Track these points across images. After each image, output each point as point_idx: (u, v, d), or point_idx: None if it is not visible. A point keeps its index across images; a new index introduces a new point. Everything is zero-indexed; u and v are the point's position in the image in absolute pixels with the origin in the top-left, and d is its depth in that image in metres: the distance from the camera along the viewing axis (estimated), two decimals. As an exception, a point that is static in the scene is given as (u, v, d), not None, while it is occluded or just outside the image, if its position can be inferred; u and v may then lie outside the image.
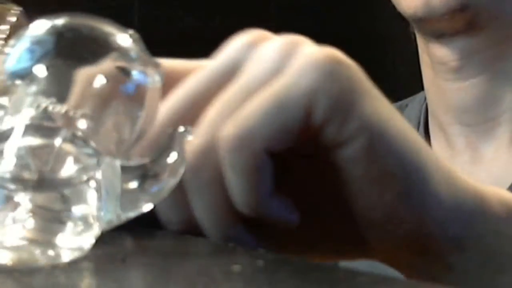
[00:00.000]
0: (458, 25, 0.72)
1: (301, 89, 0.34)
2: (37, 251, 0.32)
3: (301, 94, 0.34)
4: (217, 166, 0.35)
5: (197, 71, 0.38)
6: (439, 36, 0.75)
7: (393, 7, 0.78)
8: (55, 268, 0.33)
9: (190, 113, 0.36)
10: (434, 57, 0.77)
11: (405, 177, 0.37)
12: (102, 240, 0.40)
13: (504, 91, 0.75)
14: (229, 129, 0.34)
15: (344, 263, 0.83)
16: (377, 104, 0.36)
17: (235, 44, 0.38)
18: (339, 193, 0.37)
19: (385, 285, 0.32)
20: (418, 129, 0.83)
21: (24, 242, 0.32)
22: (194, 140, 0.35)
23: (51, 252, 0.32)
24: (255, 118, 0.34)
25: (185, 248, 0.39)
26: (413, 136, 0.38)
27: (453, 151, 0.79)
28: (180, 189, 0.36)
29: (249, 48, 0.37)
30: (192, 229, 0.37)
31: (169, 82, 0.37)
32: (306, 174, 0.39)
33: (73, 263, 0.34)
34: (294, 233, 0.38)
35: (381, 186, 0.36)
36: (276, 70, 0.35)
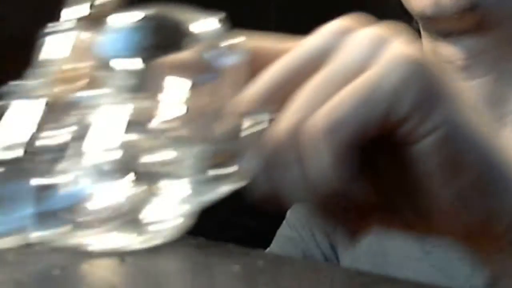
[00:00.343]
0: (467, 24, 0.72)
1: (388, 85, 0.36)
2: (128, 237, 0.34)
3: (387, 90, 0.36)
4: (300, 148, 0.36)
5: (288, 53, 0.39)
6: (446, 35, 0.74)
7: (394, 7, 0.77)
8: (55, 266, 0.33)
9: (279, 94, 0.38)
10: (441, 55, 0.76)
11: (483, 167, 0.38)
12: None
13: (510, 91, 0.75)
14: (317, 120, 0.36)
15: (344, 263, 0.83)
16: (455, 102, 0.38)
17: (327, 29, 0.39)
18: (413, 183, 0.39)
19: (385, 285, 0.32)
20: None
21: (116, 228, 0.34)
22: (283, 121, 0.36)
23: (140, 237, 0.34)
24: (342, 111, 0.35)
25: (185, 248, 0.39)
26: (490, 132, 0.39)
27: None
28: (266, 164, 0.37)
29: (340, 35, 0.39)
30: (278, 201, 0.39)
31: (258, 61, 0.39)
32: (381, 163, 0.40)
33: (73, 263, 0.34)
34: (369, 214, 0.40)
35: (455, 179, 0.38)
36: (365, 61, 0.37)
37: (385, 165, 0.40)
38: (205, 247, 0.39)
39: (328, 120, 0.35)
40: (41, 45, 0.38)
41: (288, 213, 0.86)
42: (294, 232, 0.84)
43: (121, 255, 0.36)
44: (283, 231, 0.85)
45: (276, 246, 0.84)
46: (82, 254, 0.36)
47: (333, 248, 0.82)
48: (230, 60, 0.37)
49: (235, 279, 0.32)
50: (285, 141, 0.37)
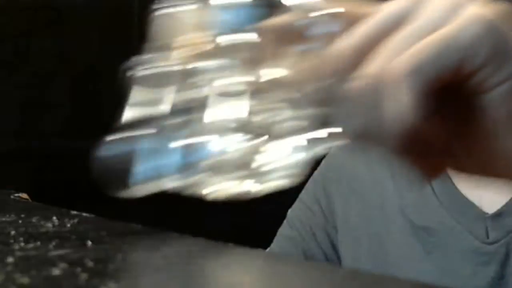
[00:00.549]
0: None
1: (463, 38, 0.40)
2: (247, 184, 0.40)
3: (462, 43, 0.40)
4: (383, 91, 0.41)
5: (372, 16, 0.43)
6: None
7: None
8: (55, 266, 0.33)
9: (362, 54, 0.42)
10: None
11: None
12: (102, 240, 0.40)
13: None
14: (400, 63, 0.40)
15: (345, 263, 0.83)
16: None
17: None
18: (480, 129, 0.42)
19: (385, 285, 0.32)
20: None
21: (238, 177, 0.39)
22: (369, 67, 0.41)
23: (258, 184, 0.40)
24: (422, 57, 0.40)
25: (186, 248, 0.39)
26: None
27: None
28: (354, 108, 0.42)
29: (420, 0, 0.43)
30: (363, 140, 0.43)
31: (348, 23, 0.43)
32: (449, 111, 0.44)
33: (73, 262, 0.34)
34: (439, 156, 0.44)
35: None
36: (444, 20, 0.41)
37: (453, 112, 0.43)
38: (205, 247, 0.39)
39: (409, 63, 0.40)
40: (156, 18, 0.42)
41: (289, 212, 0.86)
42: (294, 232, 0.84)
43: (121, 255, 0.36)
44: (284, 231, 0.85)
45: (277, 245, 0.84)
46: (81, 254, 0.36)
47: (334, 247, 0.82)
48: (329, 28, 0.42)
49: (235, 279, 0.32)
50: (371, 85, 0.41)
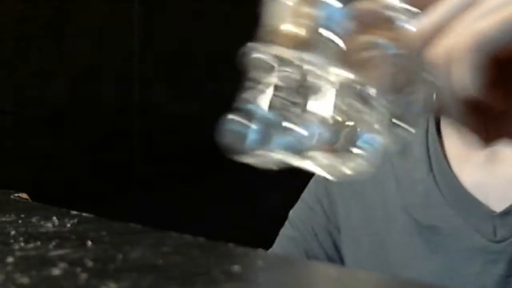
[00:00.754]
0: None
1: None
2: (339, 162, 0.46)
3: None
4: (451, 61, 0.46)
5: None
6: None
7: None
8: (55, 267, 0.33)
9: (438, 33, 0.47)
10: None
11: None
12: (102, 240, 0.40)
13: None
14: (468, 36, 0.45)
15: (347, 263, 0.82)
16: None
17: None
18: None
19: (387, 285, 0.32)
20: (428, 127, 0.81)
21: (331, 156, 0.45)
22: (442, 43, 0.46)
23: (348, 164, 0.46)
24: (487, 32, 0.45)
25: (186, 248, 0.39)
26: None
27: (469, 151, 0.78)
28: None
29: None
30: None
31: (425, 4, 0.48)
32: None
33: (73, 262, 0.34)
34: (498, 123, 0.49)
35: None
36: (510, 2, 0.46)
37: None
38: (205, 247, 0.39)
39: (475, 39, 0.45)
40: (268, 9, 0.47)
41: (291, 213, 0.86)
42: (296, 232, 0.84)
43: (122, 255, 0.36)
44: (286, 231, 0.85)
45: (279, 246, 0.84)
46: (81, 254, 0.36)
47: (336, 248, 0.82)
48: (406, 23, 0.46)
49: (235, 279, 0.32)
50: (442, 59, 0.46)
